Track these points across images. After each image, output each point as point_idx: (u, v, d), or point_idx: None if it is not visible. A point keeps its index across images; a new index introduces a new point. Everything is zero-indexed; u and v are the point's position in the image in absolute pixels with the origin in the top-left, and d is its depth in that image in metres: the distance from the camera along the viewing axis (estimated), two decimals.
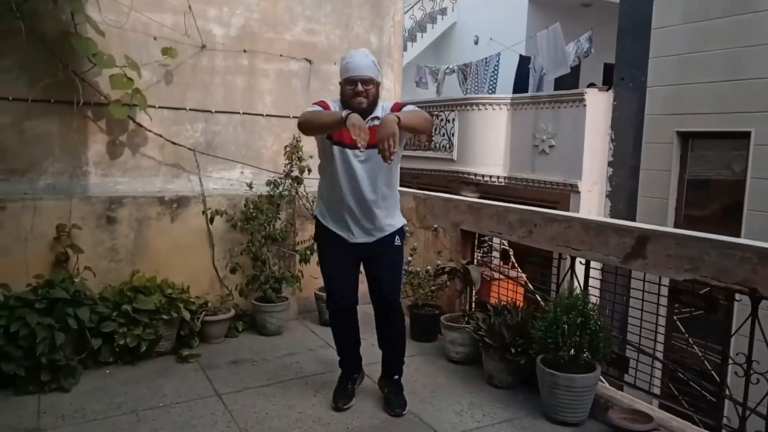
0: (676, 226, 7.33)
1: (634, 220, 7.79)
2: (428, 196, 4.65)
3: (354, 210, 2.93)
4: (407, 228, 3.57)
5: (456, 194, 10.05)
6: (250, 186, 4.43)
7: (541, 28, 10.59)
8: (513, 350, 3.37)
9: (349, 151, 2.83)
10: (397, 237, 3.04)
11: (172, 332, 3.96)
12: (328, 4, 4.86)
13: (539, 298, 4.10)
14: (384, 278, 3.06)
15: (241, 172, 4.64)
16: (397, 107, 2.89)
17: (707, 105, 6.83)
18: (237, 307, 4.43)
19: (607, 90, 7.98)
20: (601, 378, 3.26)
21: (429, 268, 4.28)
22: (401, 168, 5.93)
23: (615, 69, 8.07)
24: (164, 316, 3.81)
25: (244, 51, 4.55)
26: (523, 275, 4.69)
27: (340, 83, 2.93)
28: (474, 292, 4.14)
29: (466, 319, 3.92)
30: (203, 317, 4.09)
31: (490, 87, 10.89)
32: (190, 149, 4.38)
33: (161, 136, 4.24)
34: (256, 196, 4.46)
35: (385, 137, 2.49)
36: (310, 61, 4.82)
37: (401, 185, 4.33)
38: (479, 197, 9.70)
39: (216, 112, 4.49)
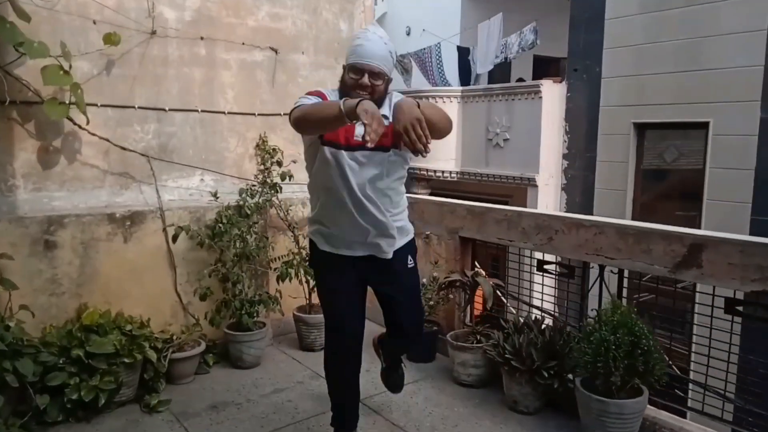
0: (633, 217, 7.33)
1: (590, 212, 7.74)
2: (416, 199, 4.20)
3: (356, 223, 2.35)
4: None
5: (407, 190, 9.68)
6: (215, 195, 3.80)
7: (476, 19, 10.38)
8: (546, 373, 3.01)
9: (344, 153, 2.26)
10: (409, 257, 2.55)
11: (135, 377, 3.30)
12: None
13: (501, 295, 3.76)
14: (403, 309, 2.59)
15: (201, 180, 4.00)
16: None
17: (664, 96, 6.83)
18: (205, 338, 3.80)
19: (561, 82, 7.86)
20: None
21: (424, 280, 3.84)
22: None
23: (567, 60, 7.96)
24: (125, 359, 3.15)
25: (201, 38, 3.90)
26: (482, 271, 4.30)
27: (343, 66, 2.32)
28: (483, 306, 3.75)
29: (478, 337, 3.53)
30: (170, 355, 3.44)
31: (441, 79, 10.55)
32: (142, 154, 3.69)
33: (107, 140, 3.53)
34: (222, 207, 3.84)
35: (409, 122, 1.91)
36: (275, 51, 4.23)
37: None
38: (430, 193, 9.40)
39: (170, 110, 3.82)
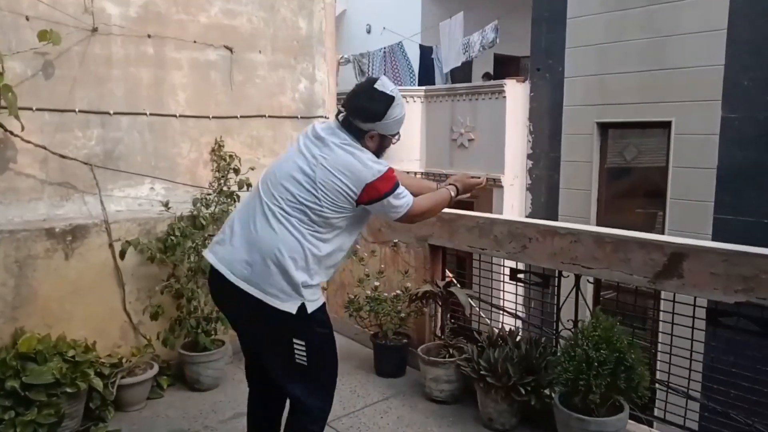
0: (598, 217, 7.33)
1: (556, 212, 7.72)
2: None
3: None
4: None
5: None
6: (166, 206, 3.53)
7: (437, 17, 10.28)
8: (522, 390, 2.86)
9: None
10: None
11: (79, 407, 3.02)
12: None
13: (461, 297, 3.58)
14: None
15: (152, 188, 3.71)
16: None
17: (627, 95, 6.83)
18: (159, 359, 3.53)
19: (524, 81, 7.79)
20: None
21: (398, 291, 3.66)
22: None
23: (530, 59, 7.90)
24: (68, 389, 2.86)
25: (149, 36, 3.60)
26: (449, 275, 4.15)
27: (383, 135, 2.14)
28: (462, 316, 3.59)
29: (450, 351, 3.36)
30: (119, 381, 3.16)
31: (411, 78, 10.41)
32: (84, 162, 3.38)
33: (44, 147, 3.22)
34: (175, 218, 3.57)
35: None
36: (230, 49, 3.97)
37: None
38: None
39: (115, 113, 3.52)
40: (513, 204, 7.87)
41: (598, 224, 7.31)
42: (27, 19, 3.15)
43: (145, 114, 3.64)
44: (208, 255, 2.16)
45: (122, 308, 3.46)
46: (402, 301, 3.60)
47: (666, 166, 6.63)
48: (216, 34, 3.91)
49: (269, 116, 4.18)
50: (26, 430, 2.70)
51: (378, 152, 2.15)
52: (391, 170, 2.09)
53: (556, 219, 7.71)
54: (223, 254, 2.11)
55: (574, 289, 3.01)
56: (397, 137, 2.21)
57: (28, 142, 3.16)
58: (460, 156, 8.18)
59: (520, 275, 3.32)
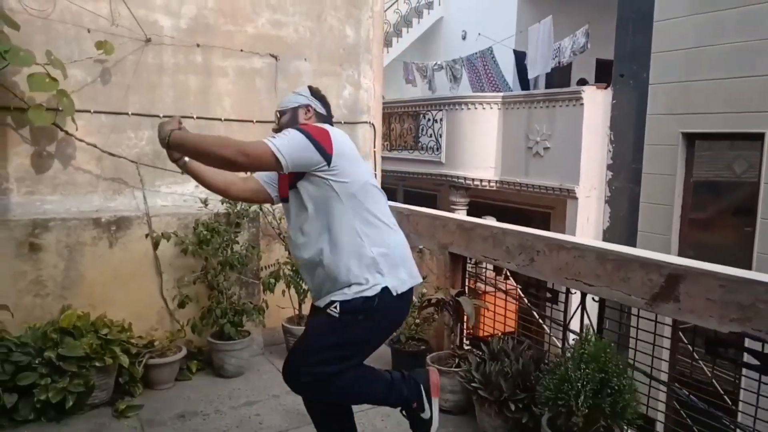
0: (681, 234, 6.80)
1: (635, 227, 7.26)
2: (412, 211, 4.05)
3: (302, 269, 2.26)
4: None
5: (445, 199, 9.49)
6: (204, 203, 3.81)
7: (532, 22, 10.01)
8: (513, 406, 2.78)
9: (283, 203, 2.32)
10: (336, 305, 2.05)
11: (109, 380, 3.34)
12: None
13: (536, 315, 3.50)
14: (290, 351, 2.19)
15: (196, 186, 3.98)
16: None
17: (716, 104, 6.28)
18: (191, 345, 3.81)
19: (606, 88, 7.42)
20: None
21: (413, 298, 3.67)
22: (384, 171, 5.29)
23: (614, 65, 7.50)
24: (97, 363, 3.18)
25: (198, 45, 3.92)
26: (516, 286, 4.05)
27: None
28: (467, 327, 3.55)
29: (457, 360, 3.33)
30: (146, 360, 3.46)
31: (502, 83, 10.28)
32: (131, 161, 3.74)
33: (95, 146, 3.60)
34: (212, 215, 3.84)
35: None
36: (276, 57, 4.20)
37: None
38: (469, 202, 9.16)
39: (164, 116, 3.85)
40: (589, 217, 7.51)
41: (681, 242, 6.80)
42: (88, 31, 3.55)
43: (192, 117, 3.94)
44: (409, 280, 2.20)
45: (159, 295, 3.77)
46: (417, 308, 3.61)
47: (758, 182, 6.02)
48: (262, 44, 4.15)
49: None
50: (57, 396, 3.05)
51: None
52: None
53: (635, 235, 7.27)
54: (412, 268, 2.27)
55: (580, 307, 2.87)
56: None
57: (81, 140, 3.55)
58: (535, 165, 7.94)
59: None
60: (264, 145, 1.97)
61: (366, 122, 4.67)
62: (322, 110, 2.37)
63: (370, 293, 2.06)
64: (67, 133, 3.49)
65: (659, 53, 6.82)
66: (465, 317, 3.37)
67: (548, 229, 8.32)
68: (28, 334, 3.20)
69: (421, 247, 3.90)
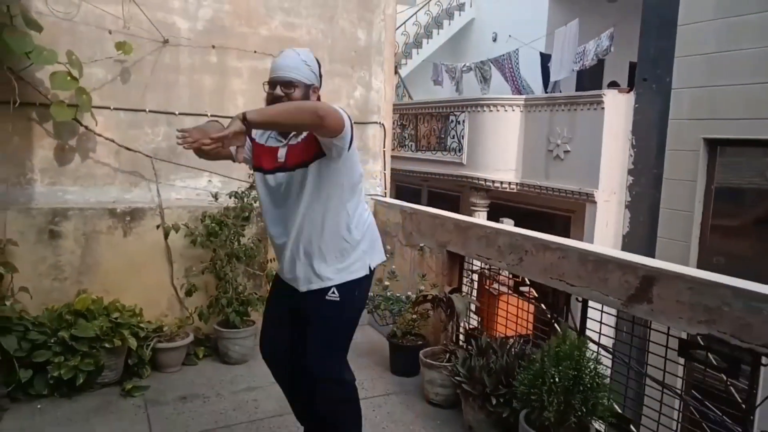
0: (701, 243, 6.70)
1: (655, 233, 7.18)
2: (415, 210, 4.15)
3: (282, 248, 2.32)
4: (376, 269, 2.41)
5: (468, 200, 9.52)
6: (215, 197, 3.99)
7: (564, 23, 9.95)
8: (494, 401, 2.86)
9: (268, 177, 2.26)
10: (333, 290, 2.22)
11: (118, 361, 3.54)
12: None
13: (458, 304, 3.51)
14: (309, 341, 2.27)
15: (209, 181, 4.21)
16: None
17: (739, 110, 6.17)
18: (199, 332, 4.00)
19: (629, 91, 7.35)
20: None
21: (410, 293, 3.79)
22: (394, 169, 5.38)
23: (637, 69, 7.43)
24: (106, 344, 3.39)
25: (213, 47, 4.11)
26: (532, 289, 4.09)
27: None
28: (461, 323, 3.63)
29: (448, 355, 3.42)
30: (154, 344, 3.66)
31: (524, 85, 10.30)
32: (146, 155, 3.95)
33: (113, 140, 3.82)
34: (222, 208, 4.02)
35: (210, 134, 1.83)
36: None
37: (402, 194, 3.82)
38: (490, 204, 9.18)
39: (180, 114, 4.06)
40: (608, 221, 7.44)
41: (701, 250, 6.70)
42: (109, 32, 3.76)
43: (207, 115, 4.13)
44: (380, 257, 2.41)
45: (170, 283, 3.97)
46: (411, 304, 3.71)
47: None
48: (275, 45, 4.30)
49: None
50: (69, 374, 3.26)
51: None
52: None
53: (654, 240, 7.18)
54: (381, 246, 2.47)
55: (564, 307, 2.93)
56: (269, 89, 2.22)
57: (100, 135, 3.77)
58: (556, 168, 7.91)
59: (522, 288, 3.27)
60: (336, 112, 2.00)
61: (376, 122, 4.79)
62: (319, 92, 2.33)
63: (361, 273, 2.26)
64: (86, 128, 3.72)
65: (682, 57, 6.73)
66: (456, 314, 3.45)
67: (568, 233, 8.29)
68: (45, 314, 3.43)
69: (422, 245, 4.00)
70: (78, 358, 3.31)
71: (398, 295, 3.81)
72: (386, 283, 3.85)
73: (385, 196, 4.84)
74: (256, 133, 2.30)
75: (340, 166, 2.19)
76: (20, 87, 3.42)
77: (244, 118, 1.84)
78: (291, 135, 2.25)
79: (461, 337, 3.77)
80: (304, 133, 2.23)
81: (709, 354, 2.26)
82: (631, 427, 2.69)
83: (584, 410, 2.46)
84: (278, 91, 2.21)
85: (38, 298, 3.52)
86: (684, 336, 2.40)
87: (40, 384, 3.30)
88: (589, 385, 2.47)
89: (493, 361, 3.02)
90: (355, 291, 2.27)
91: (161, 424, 3.12)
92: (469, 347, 3.38)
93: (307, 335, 2.27)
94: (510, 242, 3.19)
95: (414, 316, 3.75)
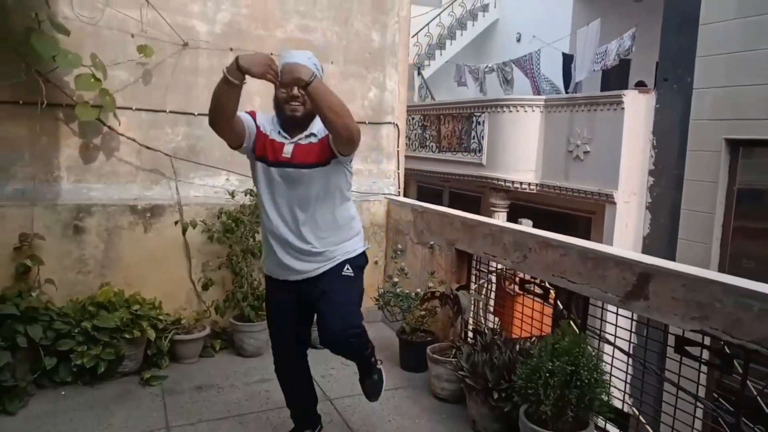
0: (722, 244, 6.62)
1: (676, 235, 7.11)
2: (425, 208, 4.22)
3: (288, 241, 2.45)
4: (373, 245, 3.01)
5: (488, 201, 9.54)
6: (231, 195, 4.12)
7: (588, 23, 9.91)
8: (496, 395, 2.92)
9: (273, 170, 2.41)
10: (347, 266, 2.50)
11: (138, 352, 3.70)
12: None
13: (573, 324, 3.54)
14: (332, 311, 2.42)
15: (227, 179, 4.34)
16: None
17: (762, 110, 6.08)
18: (216, 325, 4.14)
19: (649, 92, 7.29)
20: None
21: (419, 290, 3.86)
22: (406, 168, 5.44)
23: (658, 68, 7.37)
24: (126, 335, 3.54)
25: (231, 49, 4.24)
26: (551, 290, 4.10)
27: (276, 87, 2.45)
28: (467, 319, 3.69)
29: (454, 351, 3.48)
30: (172, 336, 3.80)
31: (544, 87, 10.29)
32: (166, 154, 4.10)
33: (134, 140, 3.98)
34: (238, 206, 4.15)
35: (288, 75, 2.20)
36: None
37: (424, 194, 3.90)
38: (510, 205, 9.19)
39: (199, 114, 4.20)
40: (628, 222, 7.39)
41: (722, 252, 6.62)
42: (132, 36, 3.92)
43: None
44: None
45: (188, 277, 4.12)
46: (419, 301, 3.78)
47: None
48: (291, 47, 4.39)
49: None
50: (91, 362, 3.42)
51: (276, 106, 2.45)
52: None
53: (675, 242, 7.12)
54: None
55: (568, 303, 2.97)
56: (281, 91, 2.38)
57: (122, 135, 3.94)
58: (576, 169, 7.89)
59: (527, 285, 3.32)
60: (359, 131, 2.34)
61: (390, 122, 4.87)
62: None
63: (360, 249, 2.61)
64: (110, 128, 3.88)
65: (704, 57, 6.67)
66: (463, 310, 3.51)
67: (589, 235, 8.25)
68: (69, 306, 3.60)
69: (432, 243, 4.07)
70: (100, 347, 3.47)
71: (407, 292, 3.89)
72: (395, 279, 3.93)
73: (399, 195, 4.92)
74: (263, 124, 2.45)
75: (344, 168, 2.48)
76: (47, 89, 3.60)
77: (311, 76, 2.14)
78: (300, 135, 2.41)
79: (470, 333, 3.83)
80: (313, 137, 2.43)
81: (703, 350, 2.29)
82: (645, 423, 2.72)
83: (581, 405, 2.50)
84: (295, 91, 2.34)
85: (63, 290, 3.69)
86: (683, 334, 2.43)
87: (64, 371, 3.46)
88: (586, 381, 2.51)
89: (496, 357, 3.07)
90: (360, 263, 2.61)
91: (177, 411, 3.25)
92: (475, 343, 3.43)
93: (329, 304, 2.43)
94: (514, 240, 3.24)
95: (422, 313, 3.82)
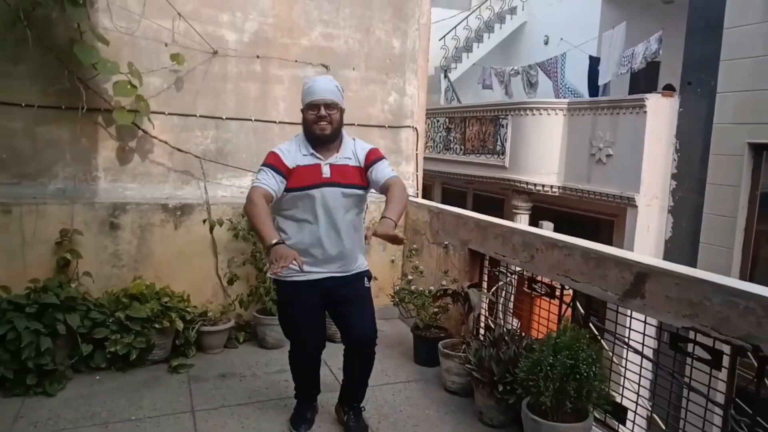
0: (744, 248, 6.60)
1: (698, 239, 7.10)
2: (441, 209, 4.37)
3: (330, 251, 2.78)
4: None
5: (510, 203, 9.62)
6: None
7: (616, 26, 9.90)
8: (501, 388, 3.06)
9: (314, 191, 2.71)
10: (365, 278, 2.93)
11: (167, 341, 3.94)
12: (347, 8, 4.69)
13: (592, 326, 3.65)
14: (364, 321, 2.87)
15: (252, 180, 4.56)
16: (371, 156, 2.78)
17: None
18: (240, 318, 4.36)
19: (672, 96, 7.30)
20: (596, 426, 2.89)
21: (432, 288, 4.01)
22: (431, 170, 5.57)
23: (682, 72, 7.37)
24: (156, 325, 3.78)
25: (257, 57, 4.47)
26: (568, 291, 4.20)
27: (302, 110, 2.78)
28: (477, 316, 3.83)
29: (464, 346, 3.63)
30: (199, 327, 4.04)
31: (567, 89, 10.33)
32: (196, 156, 4.35)
33: (166, 142, 4.24)
34: None
35: (384, 236, 2.46)
36: (326, 67, 4.67)
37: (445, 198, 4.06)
38: (532, 207, 9.25)
39: (227, 118, 4.44)
40: (649, 225, 7.40)
41: (744, 256, 6.60)
42: (165, 45, 4.18)
43: (251, 120, 4.50)
44: None
45: (215, 273, 4.35)
46: (432, 298, 3.93)
47: None
48: (314, 55, 4.64)
49: (358, 125, 4.78)
50: (124, 350, 3.67)
51: (304, 126, 2.75)
52: (270, 153, 2.73)
53: (697, 246, 7.11)
54: None
55: (571, 301, 3.09)
56: (309, 112, 2.69)
57: (155, 138, 4.19)
58: (598, 172, 7.92)
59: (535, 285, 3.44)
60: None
61: (409, 126, 5.03)
62: None
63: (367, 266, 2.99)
64: (144, 131, 4.14)
65: (728, 61, 6.66)
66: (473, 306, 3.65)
67: (611, 238, 8.27)
68: (104, 297, 3.86)
69: (446, 243, 4.22)
70: (132, 336, 3.71)
71: (421, 289, 4.05)
72: (410, 277, 4.09)
73: (417, 197, 5.08)
74: (288, 159, 2.71)
75: (366, 195, 2.89)
76: (88, 95, 3.87)
77: (396, 223, 2.48)
78: (332, 156, 2.73)
79: (481, 330, 3.97)
80: (348, 160, 2.76)
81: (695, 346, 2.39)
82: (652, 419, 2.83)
83: (580, 397, 2.63)
84: (322, 111, 2.67)
85: (99, 282, 3.96)
86: (677, 331, 2.53)
87: (99, 358, 3.72)
88: (585, 374, 2.64)
89: (503, 351, 3.21)
90: (370, 277, 3.00)
91: (201, 397, 3.48)
92: (485, 339, 3.57)
93: (354, 314, 2.85)
94: (523, 240, 3.37)
95: (435, 310, 3.97)
